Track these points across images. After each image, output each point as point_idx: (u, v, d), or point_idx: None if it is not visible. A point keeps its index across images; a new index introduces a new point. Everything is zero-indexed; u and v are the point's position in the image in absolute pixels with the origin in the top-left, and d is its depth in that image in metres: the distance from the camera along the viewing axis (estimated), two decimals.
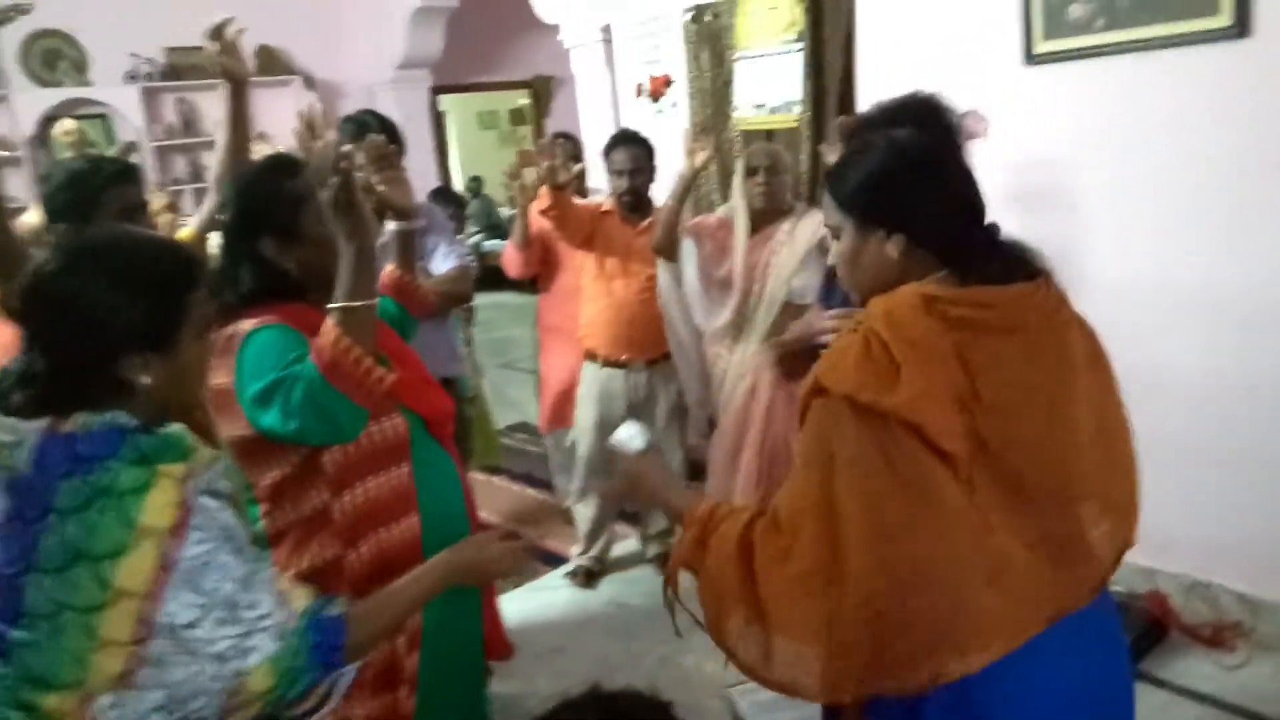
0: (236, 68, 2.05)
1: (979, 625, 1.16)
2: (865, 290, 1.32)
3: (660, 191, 3.32)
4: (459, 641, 1.76)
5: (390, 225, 1.93)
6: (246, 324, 1.51)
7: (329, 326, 1.40)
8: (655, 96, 4.29)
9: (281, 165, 1.65)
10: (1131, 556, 1.36)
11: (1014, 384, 1.20)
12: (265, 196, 1.59)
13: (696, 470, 3.40)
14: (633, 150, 3.29)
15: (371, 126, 2.60)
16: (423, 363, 1.78)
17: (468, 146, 11.42)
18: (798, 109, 3.57)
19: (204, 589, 1.09)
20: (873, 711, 1.26)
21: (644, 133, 3.37)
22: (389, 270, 1.91)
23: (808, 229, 2.94)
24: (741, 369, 2.99)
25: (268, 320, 1.51)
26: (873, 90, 3.37)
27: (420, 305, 1.96)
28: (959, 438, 1.16)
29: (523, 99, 7.88)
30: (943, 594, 1.15)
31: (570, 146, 3.92)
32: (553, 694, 1.05)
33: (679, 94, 4.14)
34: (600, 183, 3.68)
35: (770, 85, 3.67)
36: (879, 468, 1.16)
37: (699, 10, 3.91)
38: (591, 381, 3.36)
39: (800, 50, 3.53)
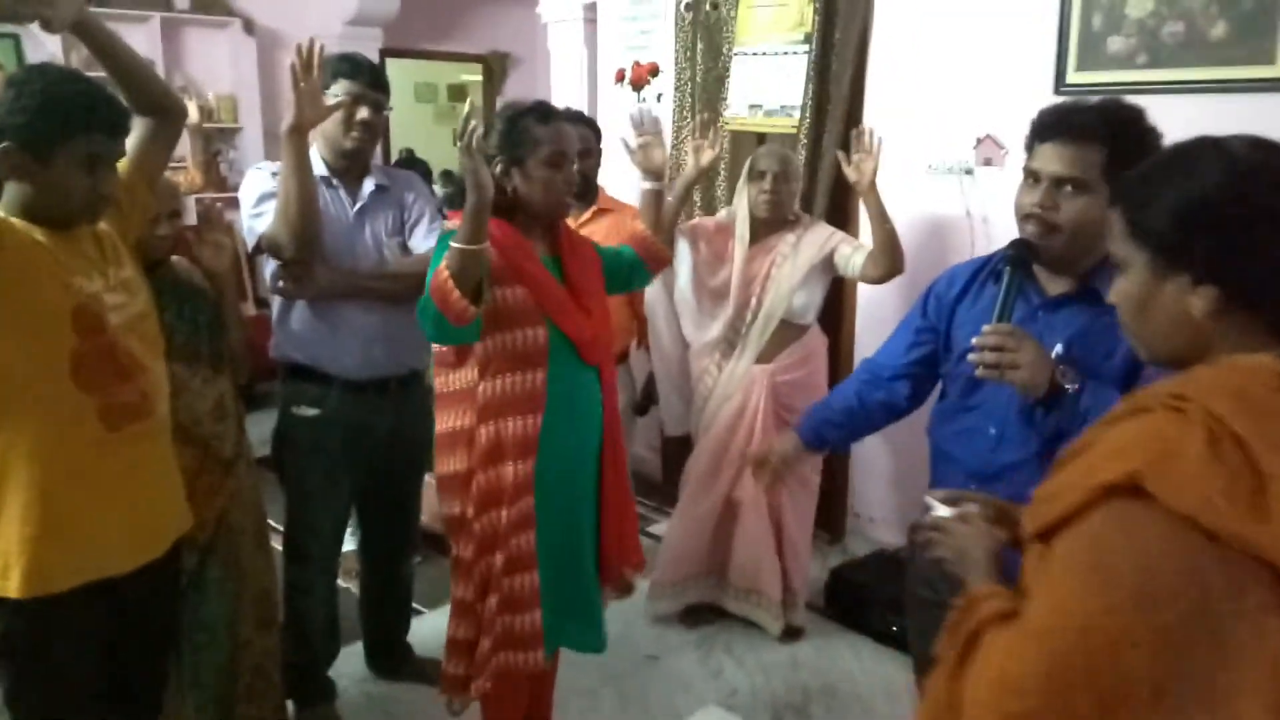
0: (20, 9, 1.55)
1: None
2: (1153, 351, 1.07)
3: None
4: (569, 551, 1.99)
5: (644, 184, 2.32)
6: (450, 225, 1.89)
7: (444, 260, 1.73)
8: (637, 85, 4.03)
9: (541, 111, 1.92)
10: None
11: None
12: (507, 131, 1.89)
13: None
14: (580, 130, 3.05)
15: (363, 69, 2.30)
16: (595, 301, 2.00)
17: (400, 118, 10.87)
18: (797, 114, 3.36)
19: None
20: None
21: (624, 121, 3.13)
22: (635, 224, 2.30)
23: (813, 243, 2.75)
24: (730, 388, 2.76)
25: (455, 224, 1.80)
26: (883, 103, 3.20)
27: (657, 260, 2.27)
28: None
29: (469, 74, 7.50)
30: None
31: None
32: None
33: (665, 85, 3.89)
34: None
35: (769, 86, 3.46)
36: (1194, 618, 0.84)
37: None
38: None
39: (806, 52, 3.32)
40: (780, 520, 2.81)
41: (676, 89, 3.80)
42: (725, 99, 3.62)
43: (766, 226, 2.79)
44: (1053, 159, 1.53)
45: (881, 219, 2.65)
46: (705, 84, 3.67)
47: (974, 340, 1.50)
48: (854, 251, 2.74)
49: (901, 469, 3.44)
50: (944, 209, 3.07)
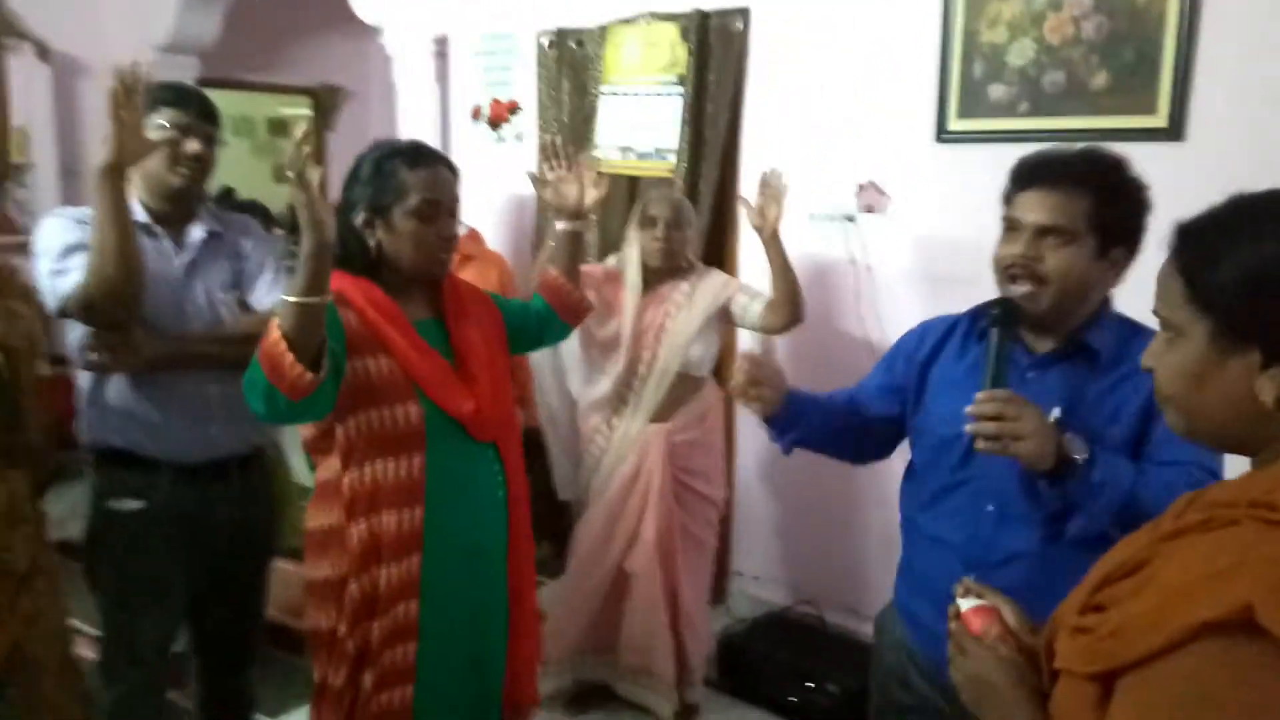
0: None
1: None
2: (1199, 430, 0.92)
3: None
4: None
5: (558, 225, 2.02)
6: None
7: (274, 319, 1.40)
8: (495, 123, 3.78)
9: (411, 152, 1.66)
10: None
11: None
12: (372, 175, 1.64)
13: None
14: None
15: (192, 98, 1.97)
16: (485, 368, 1.71)
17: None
18: (672, 158, 3.21)
19: None
20: None
21: (479, 162, 2.88)
22: (547, 269, 2.01)
23: (709, 291, 2.59)
24: (623, 449, 2.54)
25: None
26: (760, 148, 3.09)
27: (573, 311, 2.01)
28: None
29: (290, 108, 7.00)
30: None
31: None
32: None
33: (527, 124, 3.66)
34: None
35: (641, 128, 3.29)
36: None
37: (560, 35, 3.47)
38: None
39: (681, 94, 3.18)
40: (676, 590, 2.59)
41: (541, 128, 3.57)
42: (594, 140, 3.43)
43: (659, 275, 2.60)
44: (1036, 207, 1.43)
45: (784, 268, 2.52)
46: (573, 124, 3.47)
47: (968, 410, 1.34)
48: (752, 300, 2.60)
49: (784, 523, 3.31)
50: (827, 256, 2.98)
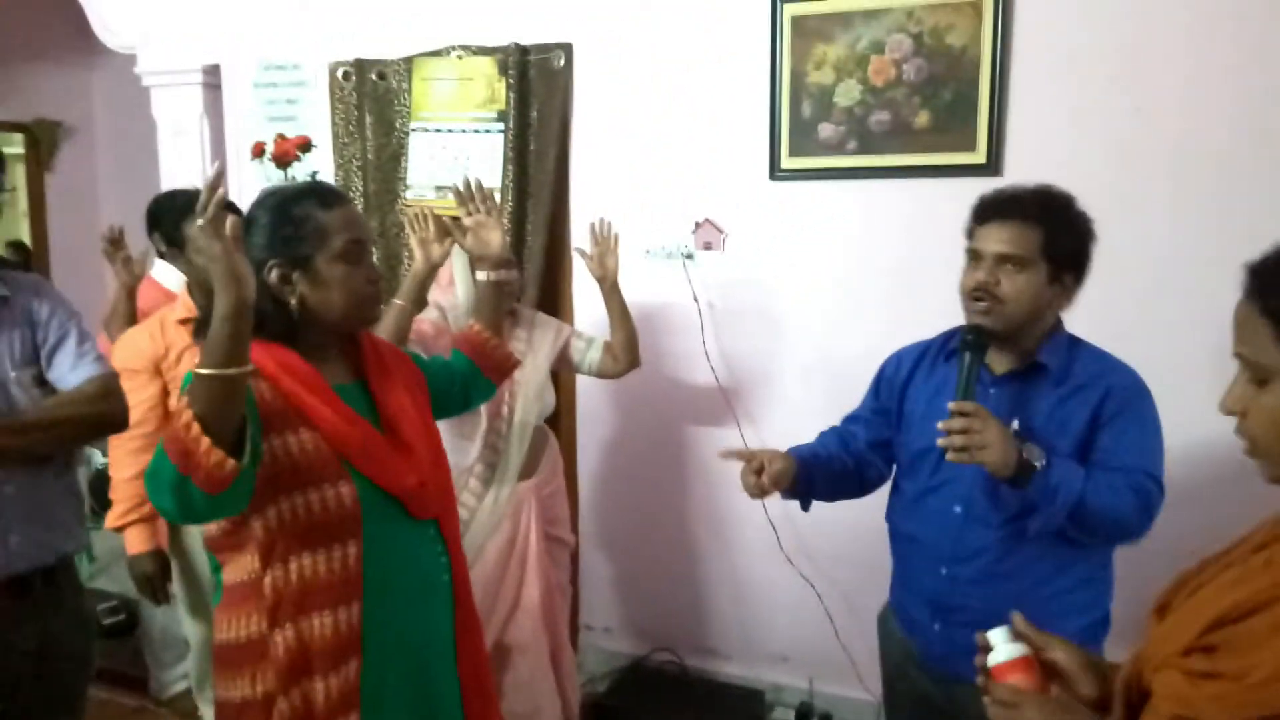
0: None
1: None
2: None
3: None
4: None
5: (480, 275, 1.87)
6: None
7: (181, 394, 1.18)
8: (282, 161, 3.43)
9: (319, 192, 1.44)
10: None
11: None
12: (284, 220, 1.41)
13: None
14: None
15: None
16: (420, 434, 1.50)
17: None
18: (496, 198, 3.04)
19: None
20: None
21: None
22: (471, 325, 1.85)
23: (546, 337, 2.51)
24: (496, 515, 2.33)
25: None
26: (591, 187, 3.01)
27: (499, 370, 1.85)
28: None
29: (7, 146, 6.06)
30: None
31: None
32: None
33: (321, 162, 3.35)
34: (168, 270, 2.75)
35: (459, 166, 3.11)
36: None
37: (358, 66, 3.21)
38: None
39: (502, 131, 3.04)
40: (559, 652, 2.42)
41: (340, 166, 3.28)
42: (404, 179, 3.19)
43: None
44: (994, 239, 1.62)
45: (624, 315, 2.50)
46: (379, 161, 3.21)
47: (940, 425, 1.50)
48: (589, 346, 2.54)
49: (629, 572, 3.21)
50: (667, 294, 2.94)
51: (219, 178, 1.14)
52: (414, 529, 1.46)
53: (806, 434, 2.92)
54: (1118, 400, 1.56)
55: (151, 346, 2.36)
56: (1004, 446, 1.46)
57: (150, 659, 2.99)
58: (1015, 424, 1.57)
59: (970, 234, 1.69)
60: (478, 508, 2.31)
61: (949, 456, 1.49)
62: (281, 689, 1.31)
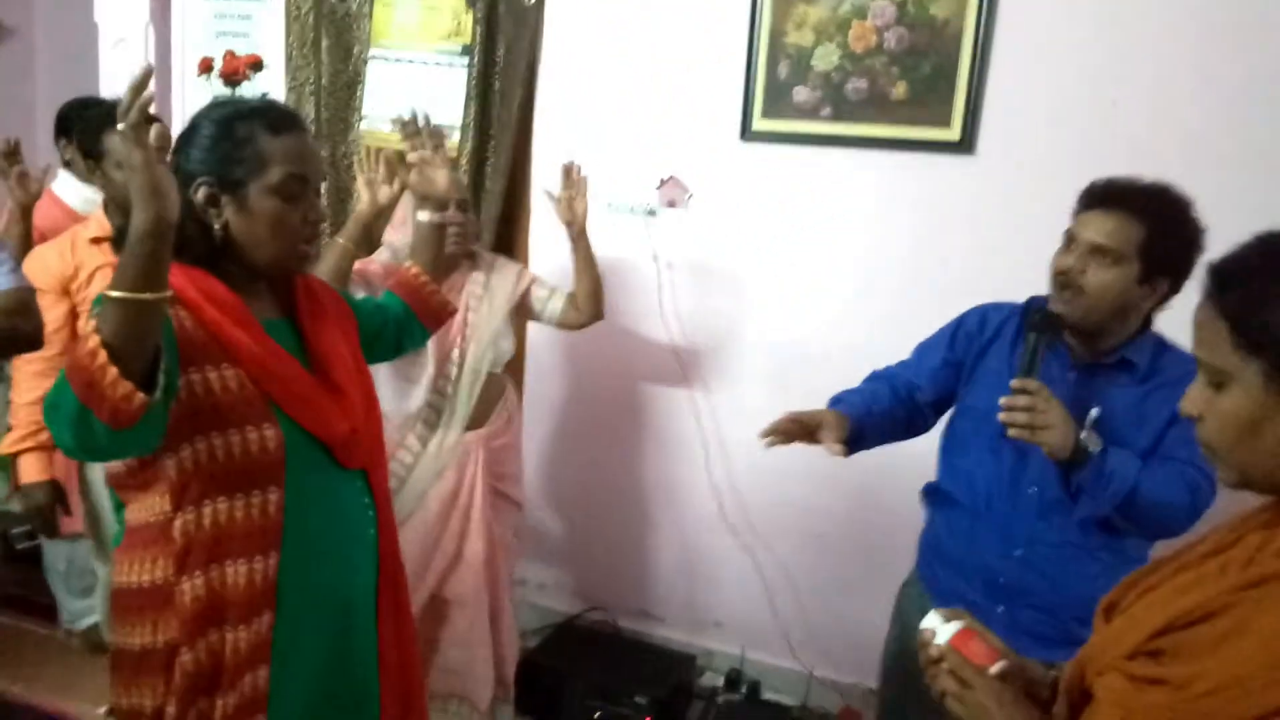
0: None
1: None
2: (1251, 477, 0.88)
3: None
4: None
5: (421, 215, 1.76)
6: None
7: (89, 318, 1.07)
8: (231, 80, 3.26)
9: (270, 113, 1.32)
10: None
11: None
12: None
13: None
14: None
15: None
16: (351, 377, 1.40)
17: None
18: (455, 135, 2.93)
19: None
20: None
21: None
22: (408, 267, 1.73)
23: (506, 282, 2.41)
24: (439, 463, 2.26)
25: None
26: (557, 133, 2.91)
27: (435, 315, 1.75)
28: None
29: None
30: None
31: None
32: None
33: (272, 84, 3.19)
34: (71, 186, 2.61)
35: (419, 99, 2.96)
36: None
37: None
38: None
39: (466, 66, 2.91)
40: (499, 610, 2.37)
41: (291, 90, 3.12)
42: (359, 109, 3.05)
43: (449, 265, 2.34)
44: (1093, 227, 1.57)
45: (589, 263, 2.40)
46: (334, 88, 3.06)
47: (1003, 400, 1.51)
48: (550, 295, 2.45)
49: (569, 529, 3.17)
50: (626, 250, 2.86)
51: (145, 79, 1.02)
52: (341, 479, 1.38)
53: (759, 403, 2.90)
54: None
55: (60, 265, 2.23)
56: (1065, 429, 1.48)
57: (59, 589, 2.87)
58: (1095, 412, 1.54)
59: (1075, 215, 1.62)
60: (421, 453, 2.24)
61: (1010, 433, 1.51)
62: (187, 639, 1.23)
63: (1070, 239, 1.60)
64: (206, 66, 3.27)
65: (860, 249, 2.66)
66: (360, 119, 3.05)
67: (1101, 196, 1.58)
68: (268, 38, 3.18)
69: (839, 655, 2.80)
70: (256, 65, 3.22)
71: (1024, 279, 1.76)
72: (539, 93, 2.91)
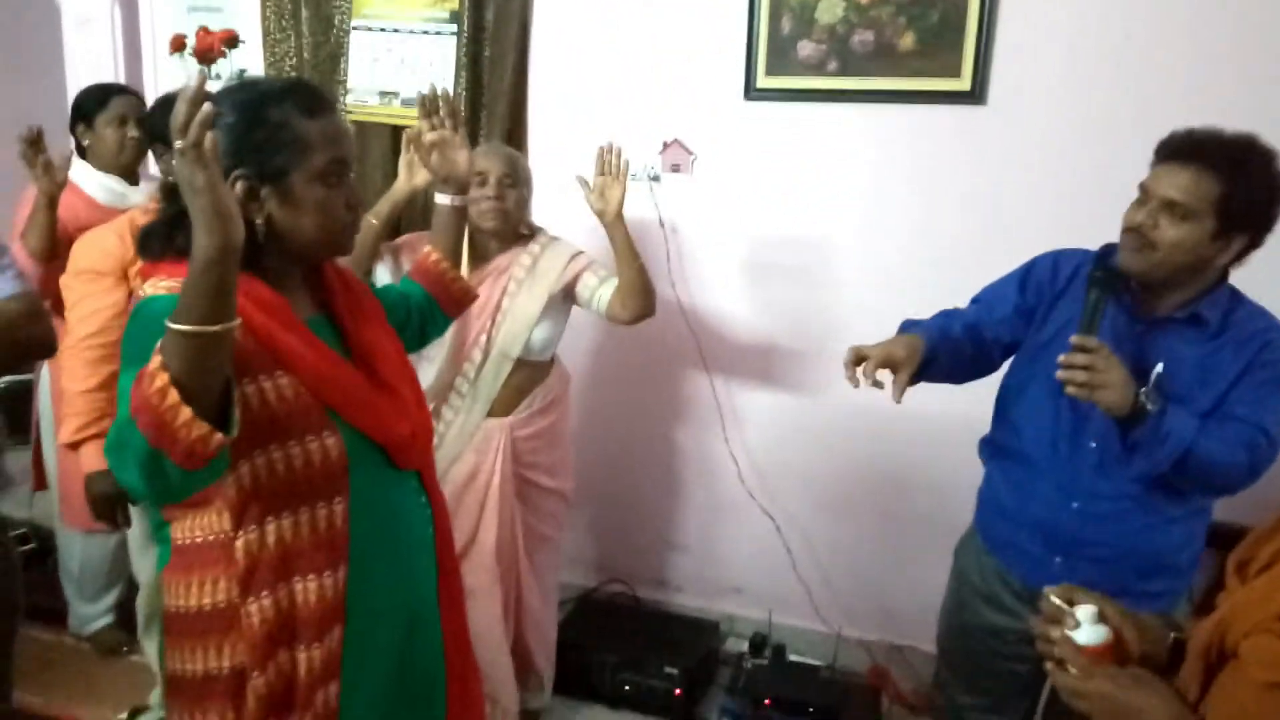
0: None
1: None
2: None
3: None
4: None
5: (440, 199, 1.70)
6: (153, 285, 1.17)
7: (156, 355, 0.98)
8: (205, 57, 3.13)
9: (302, 94, 1.22)
10: None
11: None
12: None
13: None
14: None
15: None
16: (399, 373, 1.35)
17: None
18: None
19: None
20: None
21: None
22: (428, 253, 1.67)
23: (553, 266, 2.25)
24: (458, 445, 2.20)
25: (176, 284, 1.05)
26: (552, 100, 2.83)
27: (458, 303, 1.69)
28: None
29: None
30: None
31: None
32: None
33: (250, 60, 3.07)
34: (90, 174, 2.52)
35: (406, 71, 2.87)
36: None
37: None
38: None
39: (455, 34, 2.81)
40: (520, 599, 2.33)
41: (270, 65, 3.01)
42: (344, 82, 2.94)
43: (492, 243, 2.24)
44: (1166, 182, 1.51)
45: (630, 254, 2.18)
46: (315, 61, 2.95)
47: (1062, 358, 1.48)
48: (601, 284, 2.24)
49: (584, 502, 3.13)
50: (631, 216, 2.77)
51: (201, 90, 0.93)
52: (397, 481, 1.32)
53: (771, 366, 2.85)
54: (1273, 354, 1.53)
55: (120, 248, 2.13)
56: (1123, 389, 1.45)
57: (71, 592, 2.78)
58: (1159, 368, 1.52)
59: (1151, 167, 1.56)
60: (442, 434, 2.17)
61: (1068, 390, 1.48)
62: (258, 662, 1.18)
63: (1144, 192, 1.55)
64: (179, 44, 3.14)
65: (871, 205, 2.62)
66: (346, 93, 2.94)
67: (1178, 149, 1.52)
68: (243, 10, 3.05)
69: (864, 615, 2.81)
70: (232, 41, 3.09)
71: (1041, 229, 1.73)
72: (532, 58, 2.82)
